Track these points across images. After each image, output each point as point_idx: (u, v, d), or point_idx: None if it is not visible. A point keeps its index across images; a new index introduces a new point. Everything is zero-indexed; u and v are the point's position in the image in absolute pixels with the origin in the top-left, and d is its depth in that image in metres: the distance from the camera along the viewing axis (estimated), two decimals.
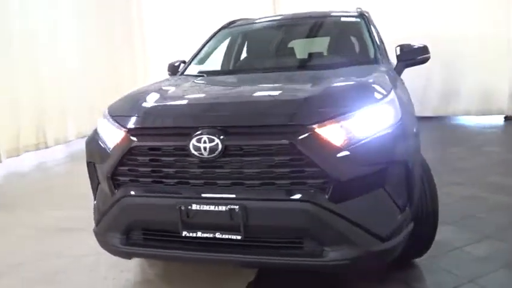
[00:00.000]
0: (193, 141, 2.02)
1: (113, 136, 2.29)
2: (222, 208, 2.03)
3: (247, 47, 3.90)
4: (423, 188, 2.42)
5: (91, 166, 2.44)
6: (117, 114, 2.39)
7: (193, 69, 3.60)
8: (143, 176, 2.20)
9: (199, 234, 2.11)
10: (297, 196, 1.97)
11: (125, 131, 2.24)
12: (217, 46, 3.77)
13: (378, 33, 3.47)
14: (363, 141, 2.02)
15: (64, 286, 2.69)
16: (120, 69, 8.93)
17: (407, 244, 2.39)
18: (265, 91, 2.48)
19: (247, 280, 2.56)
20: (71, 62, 7.70)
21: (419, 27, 7.97)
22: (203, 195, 2.08)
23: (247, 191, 2.03)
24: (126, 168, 2.22)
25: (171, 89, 2.66)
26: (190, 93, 2.51)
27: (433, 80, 8.40)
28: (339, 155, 1.96)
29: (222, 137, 2.01)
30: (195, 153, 2.03)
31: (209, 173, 2.07)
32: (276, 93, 2.39)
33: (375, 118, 2.08)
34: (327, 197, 1.96)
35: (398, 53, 3.29)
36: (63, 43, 7.57)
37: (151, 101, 2.43)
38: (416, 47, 3.38)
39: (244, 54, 3.79)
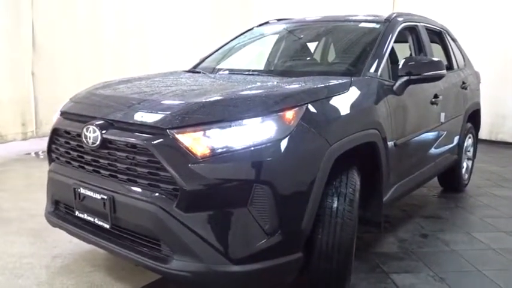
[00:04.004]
0: (84, 130, 2.18)
1: (55, 117, 2.59)
2: (98, 196, 2.16)
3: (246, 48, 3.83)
4: (335, 221, 2.16)
5: None
6: (72, 99, 2.67)
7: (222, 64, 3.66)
8: (61, 155, 2.45)
9: (85, 216, 2.28)
10: (147, 197, 1.99)
11: (59, 113, 2.53)
12: (236, 45, 3.79)
13: (391, 42, 3.06)
14: (224, 154, 1.91)
15: None
16: None
17: (315, 277, 2.21)
18: (175, 91, 2.46)
19: (142, 283, 2.57)
20: None
21: None
22: (88, 181, 2.23)
23: (117, 184, 2.11)
24: (54, 146, 2.50)
25: (125, 82, 2.80)
26: (128, 86, 2.63)
27: None
28: (192, 163, 1.89)
29: (103, 129, 2.12)
30: (84, 141, 2.18)
31: (95, 161, 2.21)
32: (177, 94, 2.38)
33: (247, 132, 1.94)
34: (175, 203, 1.92)
35: (400, 66, 2.88)
36: None
37: (89, 89, 2.65)
38: (424, 61, 2.92)
39: (240, 55, 3.73)
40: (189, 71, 3.45)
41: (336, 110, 2.28)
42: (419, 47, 3.57)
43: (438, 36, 4.22)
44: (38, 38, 6.48)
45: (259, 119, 1.98)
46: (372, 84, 2.69)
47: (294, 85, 2.41)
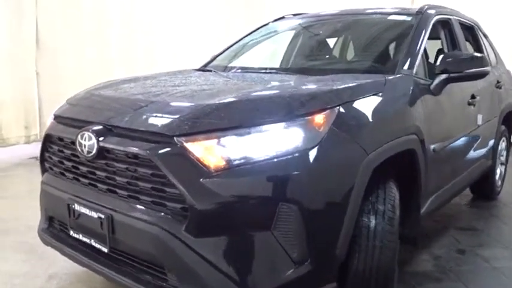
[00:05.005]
0: (79, 136, 1.87)
1: (49, 121, 2.29)
2: (94, 214, 1.86)
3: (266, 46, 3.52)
4: (373, 244, 1.83)
5: None
6: (68, 101, 2.37)
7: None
8: (55, 165, 2.15)
9: (80, 236, 1.98)
10: (150, 218, 1.68)
11: (52, 117, 2.23)
12: (250, 42, 3.47)
13: (425, 36, 2.72)
14: (242, 167, 1.60)
15: None
16: None
17: None
18: (183, 91, 2.15)
19: None
20: None
21: None
22: (84, 196, 1.92)
23: (117, 201, 1.80)
24: (47, 154, 2.20)
25: (129, 81, 2.49)
26: (132, 86, 2.32)
27: None
28: (204, 178, 1.58)
29: (100, 136, 1.81)
30: (79, 149, 1.88)
31: (91, 173, 1.91)
32: (186, 95, 2.07)
33: (269, 140, 1.63)
34: (184, 226, 1.61)
35: (438, 63, 2.54)
36: None
37: (89, 90, 2.35)
38: (465, 57, 2.58)
39: (254, 52, 3.41)
40: (199, 70, 3.13)
41: (371, 113, 1.95)
42: (452, 43, 3.22)
43: (470, 31, 3.86)
44: (42, 36, 6.22)
45: (283, 124, 1.66)
46: (408, 83, 2.35)
47: (320, 84, 2.08)
